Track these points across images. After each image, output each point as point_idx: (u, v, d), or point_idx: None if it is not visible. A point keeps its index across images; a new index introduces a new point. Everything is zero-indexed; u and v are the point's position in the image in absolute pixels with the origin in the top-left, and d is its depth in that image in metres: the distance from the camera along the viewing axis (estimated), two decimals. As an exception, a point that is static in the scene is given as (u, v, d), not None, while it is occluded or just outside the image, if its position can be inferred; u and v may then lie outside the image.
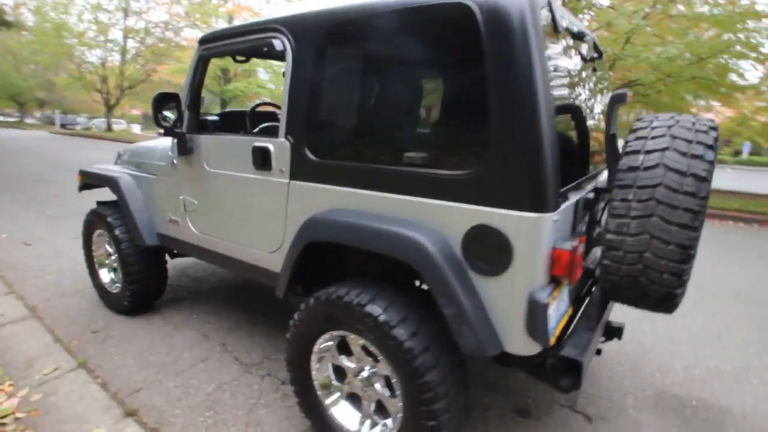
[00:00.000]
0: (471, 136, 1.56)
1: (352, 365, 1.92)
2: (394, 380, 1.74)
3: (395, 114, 1.79)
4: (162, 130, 2.59)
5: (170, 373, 2.60)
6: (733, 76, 9.66)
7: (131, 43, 23.34)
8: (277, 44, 2.05)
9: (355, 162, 1.83)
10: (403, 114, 1.77)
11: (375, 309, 1.68)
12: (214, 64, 18.45)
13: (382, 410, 1.89)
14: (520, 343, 1.54)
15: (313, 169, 1.96)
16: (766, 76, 9.38)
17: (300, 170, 2.01)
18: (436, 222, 1.62)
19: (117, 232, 3.06)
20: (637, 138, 1.69)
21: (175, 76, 19.17)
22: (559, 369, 1.66)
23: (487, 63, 1.44)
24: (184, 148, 2.52)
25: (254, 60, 18.73)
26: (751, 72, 11.30)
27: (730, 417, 2.34)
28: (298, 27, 1.98)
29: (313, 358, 1.98)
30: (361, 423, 1.92)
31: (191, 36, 21.31)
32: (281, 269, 2.10)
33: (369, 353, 1.85)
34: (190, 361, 2.72)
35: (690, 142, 1.60)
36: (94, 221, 3.29)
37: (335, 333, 1.88)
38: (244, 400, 2.37)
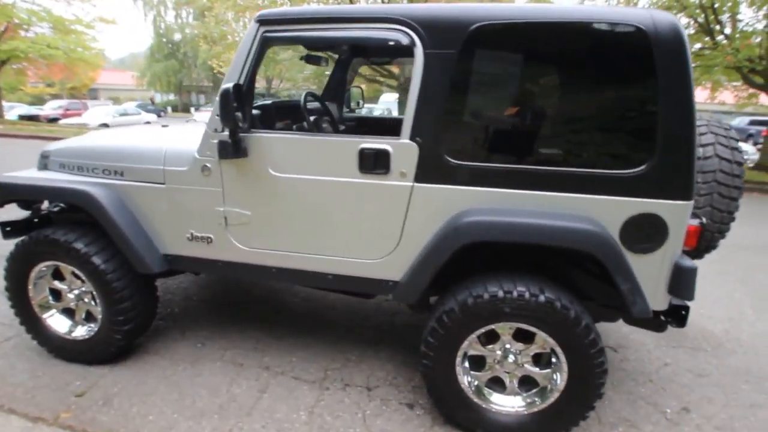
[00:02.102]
0: (640, 141, 1.81)
1: (497, 352, 2.06)
2: (552, 354, 1.96)
3: (560, 121, 1.91)
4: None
5: (240, 414, 2.23)
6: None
7: None
8: (403, 39, 1.88)
9: (511, 165, 1.89)
10: (568, 121, 1.90)
11: (550, 296, 1.86)
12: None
13: (526, 383, 2.09)
14: (661, 301, 1.94)
15: (451, 172, 1.93)
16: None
17: (431, 173, 1.96)
18: (595, 214, 1.85)
19: (97, 261, 2.33)
20: None
21: None
22: (669, 314, 2.13)
23: (659, 78, 1.70)
24: (237, 151, 2.08)
25: (35, 12, 14.39)
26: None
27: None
28: (434, 23, 1.85)
29: (459, 355, 2.04)
30: (520, 398, 2.08)
31: None
32: (412, 274, 2.03)
33: (519, 337, 2.01)
34: (248, 395, 2.37)
35: (726, 137, 2.22)
36: (39, 252, 2.41)
37: (488, 327, 1.97)
38: (350, 417, 2.24)
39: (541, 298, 1.86)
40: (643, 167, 1.79)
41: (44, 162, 2.62)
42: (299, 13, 2.02)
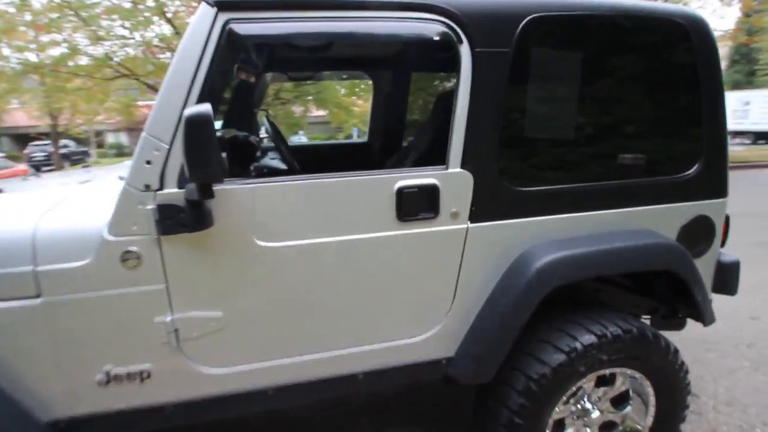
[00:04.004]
0: (692, 142, 1.72)
1: (576, 407, 1.71)
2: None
3: (625, 127, 1.68)
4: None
5: None
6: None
7: None
8: (442, 34, 1.36)
9: (585, 183, 1.61)
10: (632, 127, 1.69)
11: (641, 328, 1.61)
12: None
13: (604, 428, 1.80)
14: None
15: (513, 202, 1.52)
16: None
17: (490, 207, 1.50)
18: (657, 225, 1.69)
19: None
20: None
21: None
22: None
23: (701, 76, 1.63)
24: (201, 218, 1.25)
25: None
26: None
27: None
28: (481, 13, 1.39)
29: (549, 427, 1.62)
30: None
31: None
32: (485, 345, 1.52)
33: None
34: None
35: None
36: None
37: (580, 383, 1.62)
38: None
39: (635, 332, 1.59)
40: (694, 168, 1.70)
41: None
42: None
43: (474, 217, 1.50)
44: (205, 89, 1.26)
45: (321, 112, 13.60)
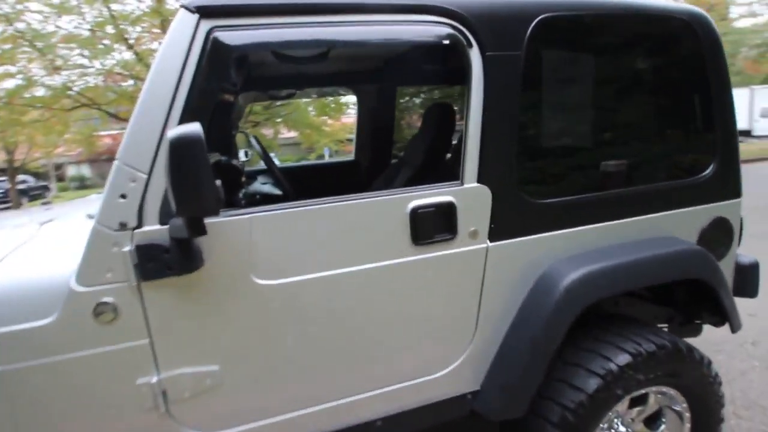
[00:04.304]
0: (706, 142, 1.66)
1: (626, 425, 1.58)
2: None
3: (644, 130, 1.62)
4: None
5: None
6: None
7: None
8: (450, 37, 1.25)
9: (605, 191, 1.52)
10: (650, 129, 1.62)
11: (674, 341, 1.51)
12: None
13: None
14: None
15: (534, 216, 1.41)
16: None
17: (509, 223, 1.39)
18: (677, 230, 1.61)
19: None
20: None
21: None
22: None
23: (710, 72, 1.59)
24: (189, 258, 1.06)
25: None
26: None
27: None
28: (491, 15, 1.28)
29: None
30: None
31: None
32: (520, 374, 1.38)
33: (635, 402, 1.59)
34: None
35: None
36: None
37: (616, 407, 1.49)
38: None
39: (669, 346, 1.49)
40: (710, 169, 1.64)
41: None
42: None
43: (494, 235, 1.37)
44: (188, 108, 1.10)
45: (290, 134, 13.41)
